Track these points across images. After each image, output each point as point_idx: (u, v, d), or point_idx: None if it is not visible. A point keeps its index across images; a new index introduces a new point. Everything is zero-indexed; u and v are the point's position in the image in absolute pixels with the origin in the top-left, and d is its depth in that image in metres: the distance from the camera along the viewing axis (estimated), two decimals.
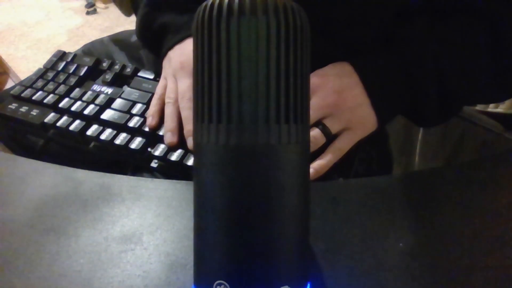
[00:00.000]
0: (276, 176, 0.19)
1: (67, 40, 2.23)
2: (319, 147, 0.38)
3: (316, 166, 0.37)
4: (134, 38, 0.63)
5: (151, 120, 0.43)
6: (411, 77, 0.40)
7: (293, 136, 0.19)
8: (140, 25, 0.51)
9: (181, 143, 0.41)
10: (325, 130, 0.38)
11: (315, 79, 0.39)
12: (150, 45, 0.53)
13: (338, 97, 0.38)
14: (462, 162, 0.53)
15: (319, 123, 0.38)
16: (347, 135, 0.39)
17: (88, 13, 2.48)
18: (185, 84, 0.42)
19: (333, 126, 0.38)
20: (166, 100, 0.43)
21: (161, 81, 0.46)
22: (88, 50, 0.61)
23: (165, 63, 0.47)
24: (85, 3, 2.52)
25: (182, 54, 0.45)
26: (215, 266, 0.20)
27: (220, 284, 0.19)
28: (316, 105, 0.38)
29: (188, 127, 0.40)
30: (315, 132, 0.38)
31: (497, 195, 0.34)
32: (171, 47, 0.46)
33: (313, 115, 0.38)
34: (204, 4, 0.20)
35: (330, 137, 0.38)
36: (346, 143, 0.39)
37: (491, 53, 0.40)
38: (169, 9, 0.49)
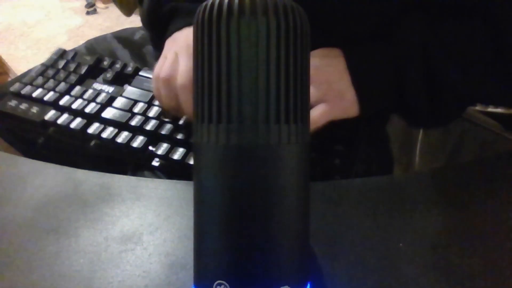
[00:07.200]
0: (276, 176, 0.19)
1: (67, 40, 2.23)
2: None
3: None
4: (137, 35, 0.63)
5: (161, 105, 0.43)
6: (397, 63, 0.39)
7: (293, 136, 0.19)
8: (149, 7, 0.50)
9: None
10: None
11: None
12: (156, 28, 0.52)
13: (315, 71, 0.38)
14: (462, 162, 0.53)
15: None
16: (320, 107, 0.38)
17: (88, 13, 2.48)
18: (184, 64, 0.40)
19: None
20: (162, 75, 0.42)
21: (161, 60, 0.44)
22: (91, 46, 0.61)
23: (169, 42, 0.45)
24: (85, 3, 2.52)
25: (189, 37, 0.43)
26: (215, 266, 0.20)
27: (220, 284, 0.19)
28: None
29: (186, 111, 0.40)
30: None
31: (497, 195, 0.34)
32: (179, 29, 0.45)
33: None
34: (204, 4, 0.20)
35: None
36: (319, 115, 0.38)
37: (492, 52, 0.39)
38: None
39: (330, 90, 0.38)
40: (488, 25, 0.38)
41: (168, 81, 0.41)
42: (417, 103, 0.40)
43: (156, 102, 0.46)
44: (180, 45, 0.43)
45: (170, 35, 0.46)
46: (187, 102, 0.39)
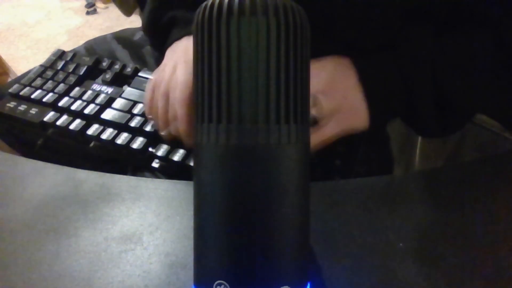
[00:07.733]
0: (276, 176, 0.19)
1: (67, 40, 2.23)
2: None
3: None
4: (137, 36, 0.63)
5: (152, 116, 0.42)
6: (406, 77, 0.39)
7: (293, 136, 0.19)
8: (149, 17, 0.50)
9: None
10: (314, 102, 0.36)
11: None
12: (157, 38, 0.52)
13: (330, 81, 0.38)
14: (462, 162, 0.53)
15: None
16: (336, 120, 0.38)
17: (88, 13, 2.48)
18: (183, 77, 0.40)
19: (325, 102, 0.37)
20: (161, 89, 0.41)
21: (160, 69, 0.44)
22: (90, 47, 0.61)
23: (168, 52, 0.46)
24: (85, 3, 2.52)
25: (188, 48, 0.43)
26: (215, 266, 0.20)
27: (220, 284, 0.19)
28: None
29: (181, 125, 0.39)
30: None
31: (497, 195, 0.34)
32: (178, 39, 0.45)
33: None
34: (204, 4, 0.20)
35: (319, 112, 0.37)
36: (333, 127, 0.38)
37: (500, 65, 0.39)
38: (180, 4, 0.48)
39: (345, 102, 0.38)
40: (495, 36, 0.38)
41: (166, 94, 0.40)
42: (426, 116, 0.40)
43: None
44: (178, 56, 0.43)
45: (170, 44, 0.46)
46: (184, 116, 0.39)
